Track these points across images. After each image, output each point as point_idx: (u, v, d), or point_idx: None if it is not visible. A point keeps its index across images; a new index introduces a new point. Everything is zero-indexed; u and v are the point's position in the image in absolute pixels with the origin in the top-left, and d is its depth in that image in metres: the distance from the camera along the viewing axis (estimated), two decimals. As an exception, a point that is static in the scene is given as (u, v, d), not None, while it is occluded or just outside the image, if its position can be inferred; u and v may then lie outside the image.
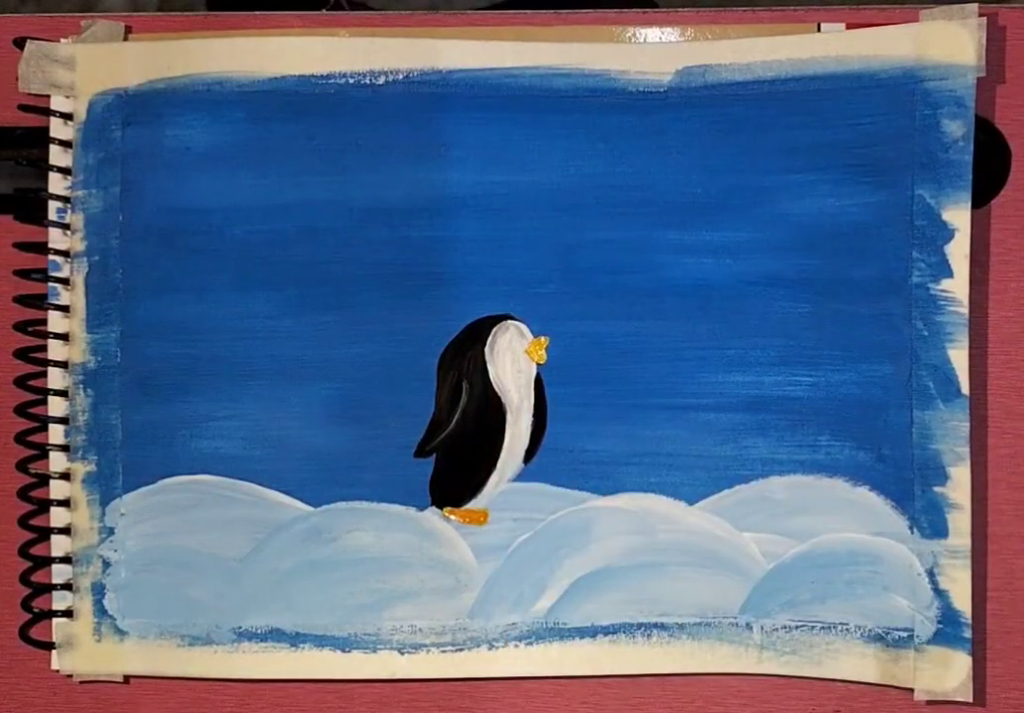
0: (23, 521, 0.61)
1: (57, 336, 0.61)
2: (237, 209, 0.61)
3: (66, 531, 0.61)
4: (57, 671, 0.62)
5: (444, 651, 0.60)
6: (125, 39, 0.62)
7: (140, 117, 0.61)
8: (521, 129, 0.60)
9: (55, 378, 0.61)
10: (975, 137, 0.58)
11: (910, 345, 0.59)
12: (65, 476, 0.61)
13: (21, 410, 0.61)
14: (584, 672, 0.60)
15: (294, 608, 0.60)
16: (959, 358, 0.58)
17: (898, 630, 0.59)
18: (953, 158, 0.58)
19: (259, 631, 0.60)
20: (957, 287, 0.58)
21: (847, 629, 0.59)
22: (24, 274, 0.61)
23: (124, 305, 0.61)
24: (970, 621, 0.58)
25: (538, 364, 0.60)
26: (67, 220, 0.61)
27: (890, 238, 0.59)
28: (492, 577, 0.60)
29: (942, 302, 0.58)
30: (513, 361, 0.60)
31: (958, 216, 0.58)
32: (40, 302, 0.61)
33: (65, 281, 0.61)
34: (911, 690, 0.59)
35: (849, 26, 0.60)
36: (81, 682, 0.62)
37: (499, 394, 0.60)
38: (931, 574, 0.58)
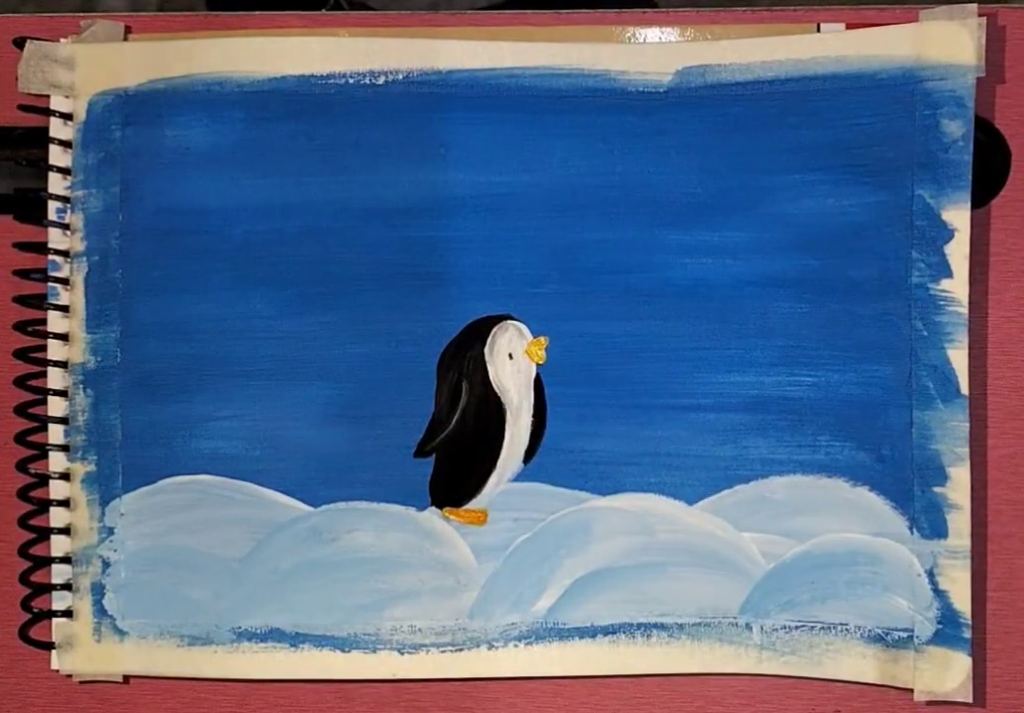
0: (23, 521, 0.61)
1: (57, 336, 0.61)
2: (237, 209, 0.61)
3: (66, 531, 0.61)
4: (57, 671, 0.62)
5: (444, 651, 0.60)
6: (125, 39, 0.62)
7: (140, 117, 0.61)
8: (521, 129, 0.60)
9: (55, 378, 0.61)
10: (975, 137, 0.58)
11: (910, 345, 0.59)
12: (65, 476, 0.61)
13: (21, 410, 0.61)
14: (584, 672, 0.60)
15: (294, 608, 0.60)
16: (959, 358, 0.58)
17: (898, 630, 0.59)
18: (953, 158, 0.58)
19: (259, 631, 0.60)
20: (957, 287, 0.58)
21: (847, 629, 0.59)
22: (24, 274, 0.61)
23: (124, 305, 0.61)
24: (970, 621, 0.58)
25: (538, 364, 0.60)
26: (67, 220, 0.61)
27: (890, 238, 0.59)
28: (492, 577, 0.60)
29: (942, 302, 0.58)
30: (513, 361, 0.60)
31: (958, 216, 0.58)
32: (40, 302, 0.61)
33: (65, 281, 0.61)
34: (911, 690, 0.59)
35: (849, 26, 0.60)
36: (81, 682, 0.62)
37: (499, 394, 0.60)
38: (931, 574, 0.58)
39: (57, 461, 0.61)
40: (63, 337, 0.61)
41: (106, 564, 0.61)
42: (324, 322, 0.61)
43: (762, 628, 0.59)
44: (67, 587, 0.61)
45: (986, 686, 0.60)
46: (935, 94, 0.58)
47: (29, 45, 0.61)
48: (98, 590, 0.61)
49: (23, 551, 0.61)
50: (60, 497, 0.61)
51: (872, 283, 0.59)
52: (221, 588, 0.61)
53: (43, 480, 0.61)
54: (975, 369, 0.59)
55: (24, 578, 0.61)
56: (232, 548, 0.61)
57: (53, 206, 0.61)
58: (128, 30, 0.62)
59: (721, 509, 0.60)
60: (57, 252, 0.61)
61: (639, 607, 0.60)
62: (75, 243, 0.61)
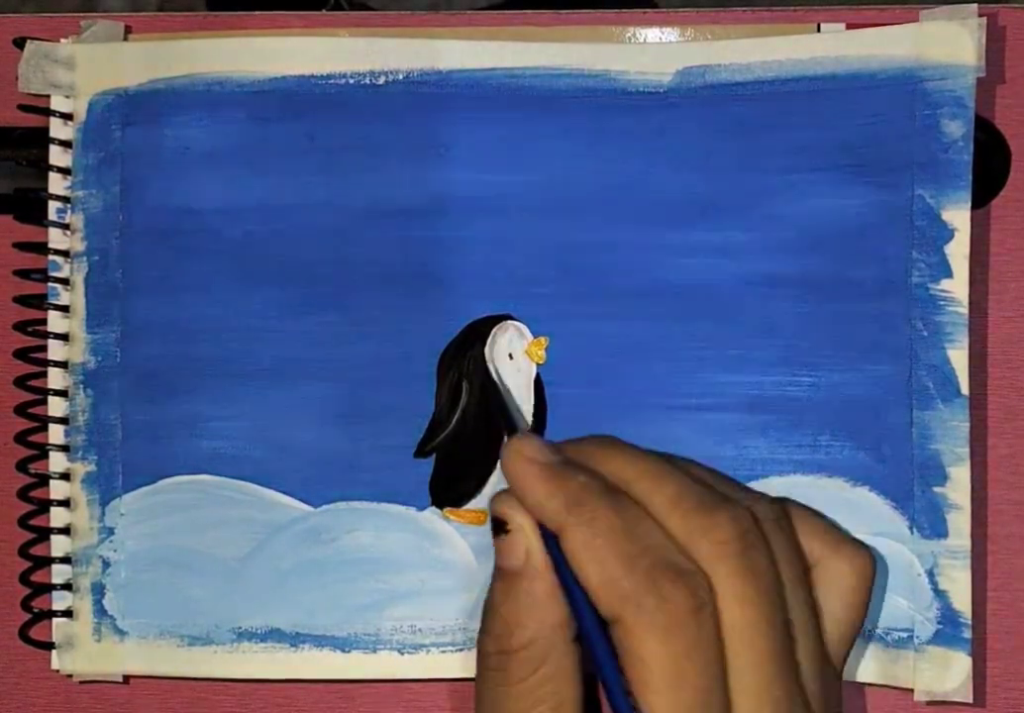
0: (23, 521, 0.61)
1: (57, 336, 0.61)
2: (237, 209, 0.61)
3: (66, 531, 0.61)
4: (57, 671, 0.62)
5: (444, 651, 0.60)
6: (125, 39, 0.62)
7: (140, 117, 0.61)
8: (521, 129, 0.60)
9: (55, 378, 0.61)
10: (975, 137, 0.58)
11: (910, 345, 0.59)
12: (65, 476, 0.61)
13: (21, 410, 0.61)
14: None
15: (294, 608, 0.60)
16: (959, 358, 0.58)
17: (898, 630, 0.59)
18: (953, 158, 0.58)
19: (259, 631, 0.60)
20: (957, 287, 0.58)
21: (847, 629, 0.59)
22: (24, 274, 0.61)
23: (124, 305, 0.61)
24: (970, 621, 0.58)
25: (538, 364, 0.60)
26: (67, 220, 0.61)
27: (890, 238, 0.59)
28: (492, 577, 0.60)
29: (942, 302, 0.58)
30: (513, 361, 0.60)
31: (958, 216, 0.58)
32: (40, 302, 0.61)
33: (65, 281, 0.61)
34: (911, 690, 0.58)
35: (849, 26, 0.60)
36: (81, 682, 0.62)
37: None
38: (931, 574, 0.58)
39: (57, 461, 0.61)
40: (63, 337, 0.61)
41: (106, 564, 0.61)
42: (324, 322, 0.61)
43: (762, 628, 0.59)
44: (67, 587, 0.61)
45: (986, 686, 0.60)
46: (935, 94, 0.58)
47: (29, 45, 0.61)
48: (98, 590, 0.61)
49: (23, 551, 0.61)
50: (60, 497, 0.61)
51: (872, 283, 0.59)
52: (221, 588, 0.61)
53: (43, 480, 0.61)
54: (975, 369, 0.59)
55: (24, 578, 0.61)
56: (232, 548, 0.61)
57: (53, 206, 0.61)
58: (128, 30, 0.62)
59: (721, 509, 0.60)
60: (57, 252, 0.61)
61: (639, 607, 0.60)
62: (75, 243, 0.61)
